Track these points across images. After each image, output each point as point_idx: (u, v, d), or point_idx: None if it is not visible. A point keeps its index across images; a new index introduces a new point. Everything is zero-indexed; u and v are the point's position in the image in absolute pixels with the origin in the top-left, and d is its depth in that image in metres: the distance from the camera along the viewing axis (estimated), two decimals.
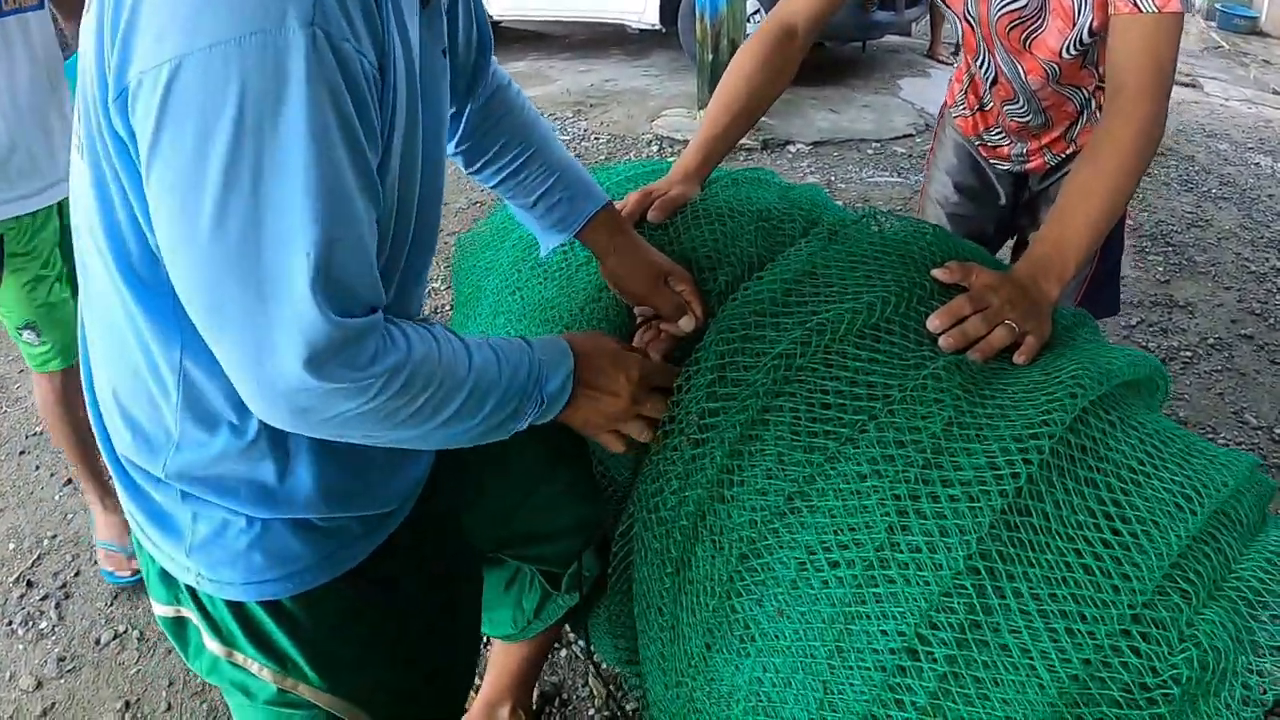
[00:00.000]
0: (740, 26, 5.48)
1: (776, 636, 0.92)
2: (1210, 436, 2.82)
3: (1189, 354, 3.24)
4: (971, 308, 1.08)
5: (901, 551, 0.87)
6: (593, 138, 5.58)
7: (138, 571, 2.12)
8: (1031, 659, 0.81)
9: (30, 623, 2.17)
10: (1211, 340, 3.33)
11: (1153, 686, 0.80)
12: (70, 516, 2.51)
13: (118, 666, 2.05)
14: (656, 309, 1.20)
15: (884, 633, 0.86)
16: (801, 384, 1.00)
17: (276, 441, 0.87)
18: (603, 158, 5.22)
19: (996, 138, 1.88)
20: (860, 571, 0.88)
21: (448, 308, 3.24)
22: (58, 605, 2.22)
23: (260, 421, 0.84)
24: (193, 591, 0.95)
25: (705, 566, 0.98)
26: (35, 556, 2.38)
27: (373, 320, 0.76)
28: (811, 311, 1.06)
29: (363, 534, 0.97)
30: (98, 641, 2.12)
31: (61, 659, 2.07)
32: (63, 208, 1.99)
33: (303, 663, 0.97)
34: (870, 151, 5.28)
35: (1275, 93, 7.21)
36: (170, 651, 2.06)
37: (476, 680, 1.70)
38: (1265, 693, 0.82)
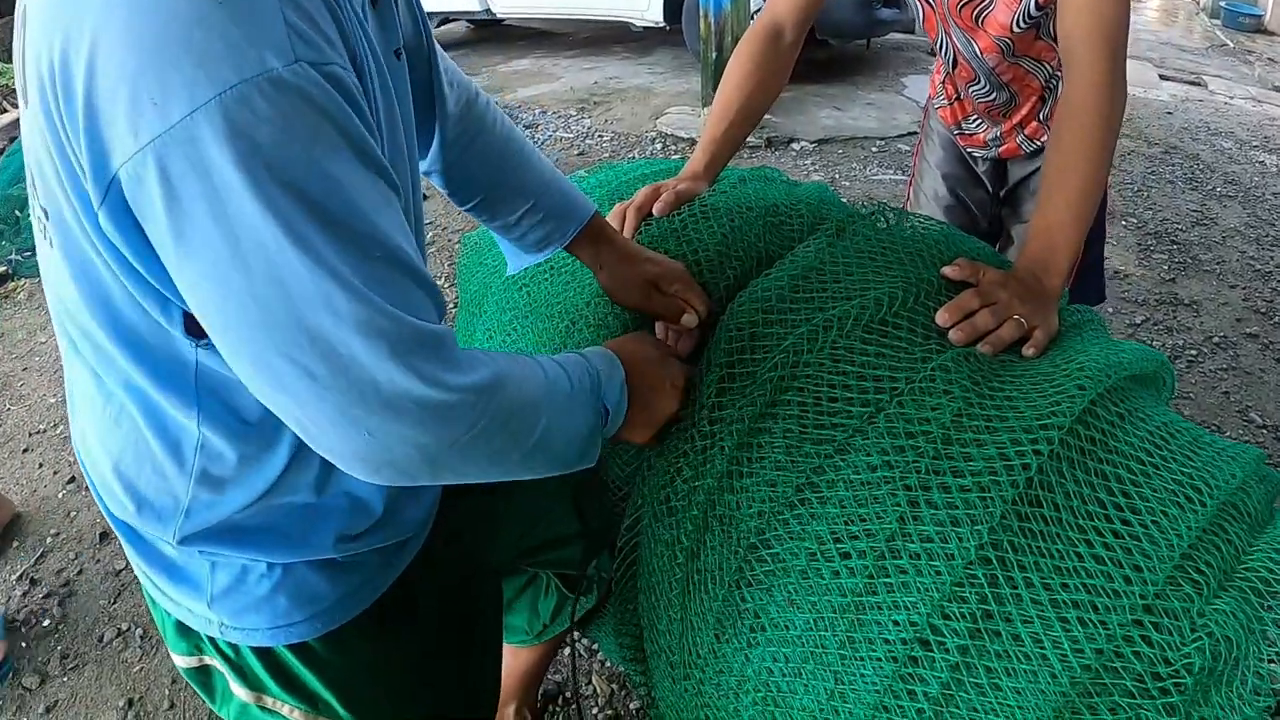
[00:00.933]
0: (744, 24, 5.48)
1: (787, 627, 0.92)
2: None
3: (1194, 352, 3.23)
4: (980, 302, 1.08)
5: (913, 541, 0.87)
6: (597, 135, 5.57)
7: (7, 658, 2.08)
8: (1044, 649, 0.80)
9: (33, 620, 2.17)
10: (1217, 339, 3.32)
11: (1165, 676, 0.79)
12: (73, 514, 2.51)
13: (121, 664, 2.05)
14: (656, 315, 1.19)
15: (895, 623, 0.85)
16: (810, 377, 1.00)
17: (293, 488, 0.84)
18: (607, 155, 5.22)
19: (974, 125, 1.88)
20: (871, 561, 0.87)
21: (452, 306, 3.24)
22: (61, 603, 2.22)
23: (275, 472, 0.82)
24: (214, 640, 0.93)
25: (715, 556, 0.98)
26: (38, 554, 2.38)
27: (447, 328, 0.74)
28: (819, 308, 1.06)
29: (382, 565, 0.95)
30: (100, 639, 2.11)
31: (64, 656, 2.07)
32: None
33: (334, 701, 0.96)
34: (874, 149, 5.28)
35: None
36: None
37: None
38: (1277, 682, 0.81)
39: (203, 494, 0.82)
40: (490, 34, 9.19)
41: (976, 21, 1.59)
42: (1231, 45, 8.87)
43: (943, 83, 1.88)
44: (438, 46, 1.05)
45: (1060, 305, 1.17)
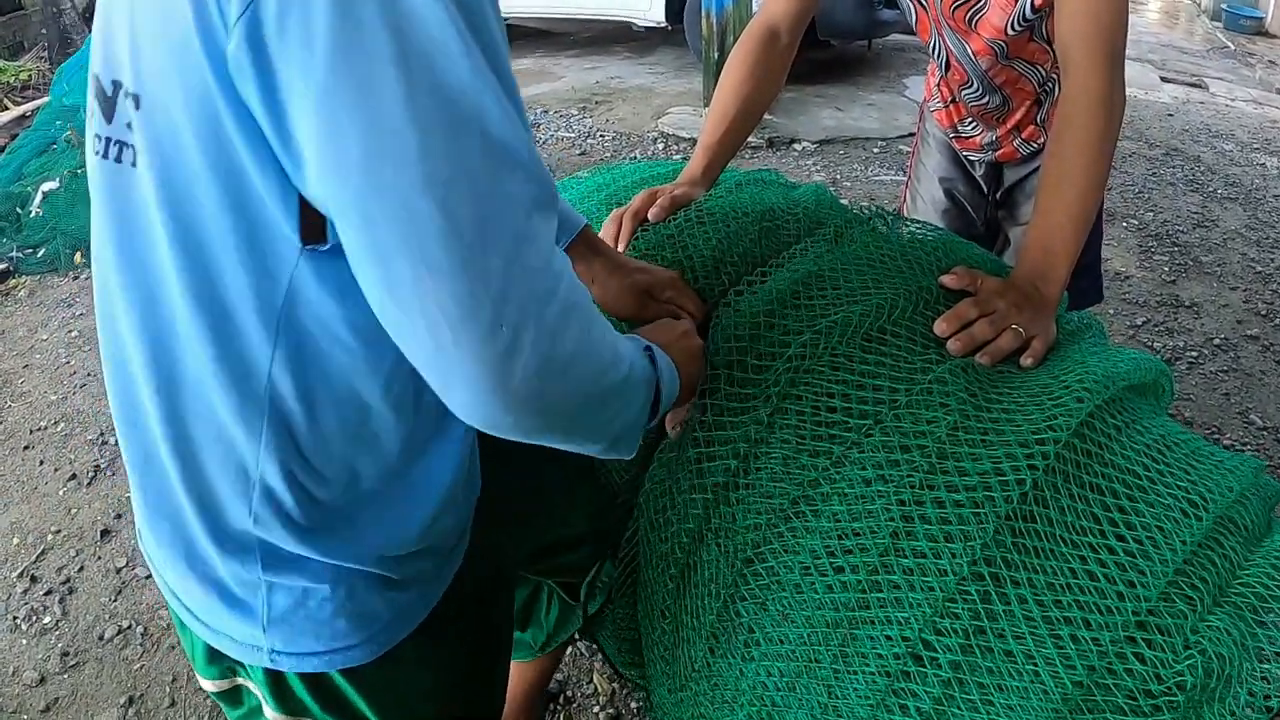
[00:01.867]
0: (746, 23, 5.46)
1: (780, 641, 0.92)
2: (1215, 437, 2.82)
3: (1194, 354, 3.24)
4: (978, 312, 1.08)
5: (906, 556, 0.87)
6: (598, 135, 5.57)
7: None
8: (1036, 665, 0.81)
9: (34, 618, 2.18)
10: (1217, 341, 3.32)
11: (1157, 693, 0.80)
12: (74, 511, 2.52)
13: (121, 662, 2.05)
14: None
15: (888, 638, 0.86)
16: (808, 387, 1.00)
17: (400, 474, 0.83)
18: (608, 155, 5.22)
19: (969, 128, 1.87)
20: (865, 576, 0.88)
21: None
22: (61, 600, 2.23)
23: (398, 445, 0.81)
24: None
25: (709, 570, 0.98)
26: (39, 551, 2.38)
27: None
28: (819, 315, 1.06)
29: (431, 579, 0.94)
30: (101, 637, 2.12)
31: (65, 654, 2.08)
32: None
33: (373, 717, 0.94)
34: (875, 150, 5.28)
35: None
36: (174, 648, 2.07)
37: None
38: (1270, 699, 0.81)
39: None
40: None
41: (969, 24, 1.58)
42: (1232, 47, 8.86)
43: (937, 85, 1.88)
44: None
45: (1059, 311, 1.17)
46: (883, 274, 1.13)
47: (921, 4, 1.65)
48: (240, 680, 0.95)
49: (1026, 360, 1.07)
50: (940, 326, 1.06)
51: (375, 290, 0.66)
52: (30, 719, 1.94)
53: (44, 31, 7.01)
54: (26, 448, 2.80)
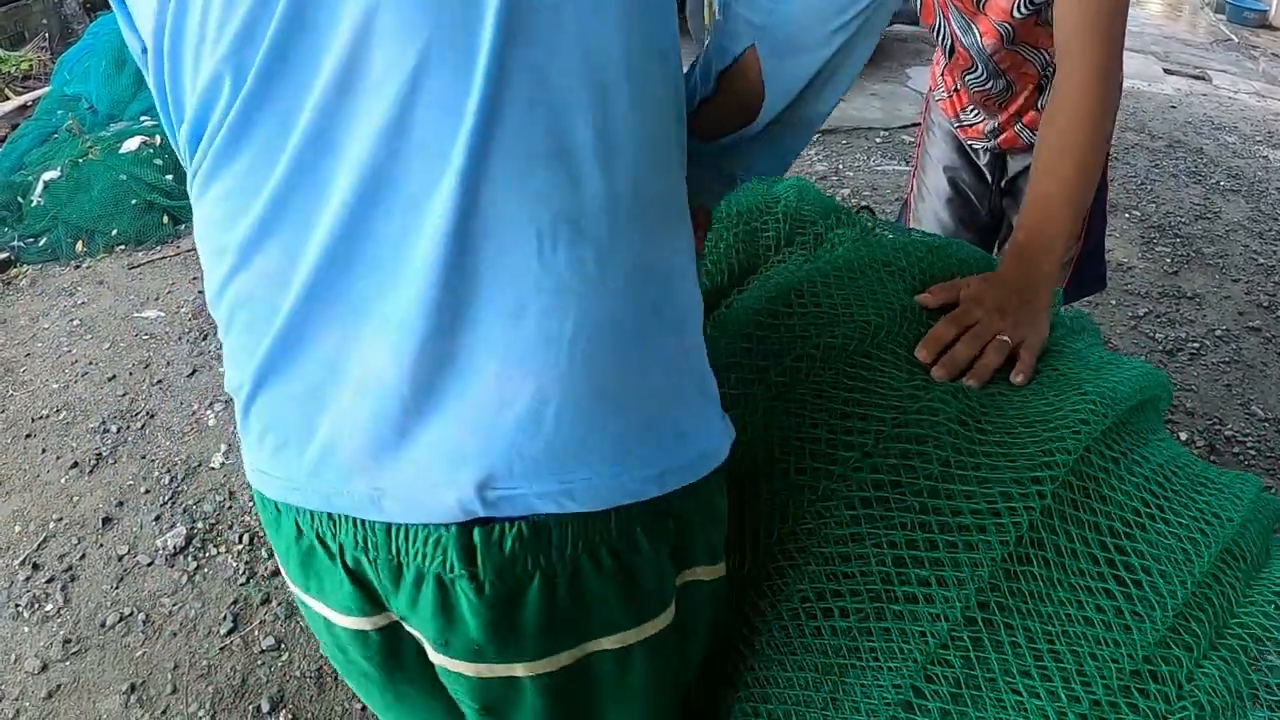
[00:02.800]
0: None
1: (769, 684, 0.89)
2: (1217, 428, 2.82)
3: (1196, 345, 3.23)
4: (956, 329, 1.03)
5: (898, 602, 0.83)
6: None
7: None
8: (1027, 715, 0.78)
9: (36, 605, 2.18)
10: (1219, 332, 3.32)
11: None
12: (76, 499, 2.52)
13: (123, 649, 2.06)
14: None
15: (880, 685, 0.82)
16: (790, 415, 0.96)
17: None
18: None
19: (971, 116, 1.87)
20: (855, 622, 0.84)
21: None
22: (63, 588, 2.23)
23: None
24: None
25: None
26: (41, 539, 2.39)
27: None
28: (798, 336, 1.02)
29: None
30: (103, 624, 2.12)
31: (67, 641, 2.08)
32: None
33: None
34: (878, 140, 5.26)
35: None
36: (176, 634, 2.07)
37: None
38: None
39: None
40: None
41: (978, 6, 1.58)
42: (1236, 40, 8.83)
43: (942, 74, 1.88)
44: None
45: (1055, 310, 1.12)
46: (864, 289, 1.07)
47: None
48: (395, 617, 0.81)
49: (1017, 377, 1.01)
50: (921, 354, 1.01)
51: None
52: (32, 706, 1.94)
53: (45, 21, 6.99)
54: (28, 436, 2.80)
